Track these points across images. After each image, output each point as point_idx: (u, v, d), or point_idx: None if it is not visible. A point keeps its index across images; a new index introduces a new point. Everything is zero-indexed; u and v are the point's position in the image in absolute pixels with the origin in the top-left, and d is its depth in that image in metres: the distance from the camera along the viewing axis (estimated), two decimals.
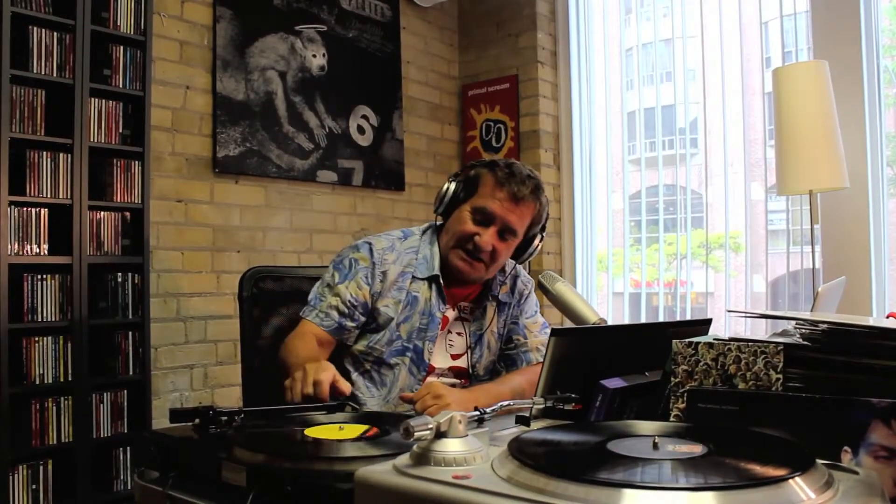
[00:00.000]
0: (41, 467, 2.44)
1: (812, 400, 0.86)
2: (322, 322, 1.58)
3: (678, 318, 3.61)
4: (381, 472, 0.69)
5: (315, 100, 3.56)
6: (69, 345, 2.51)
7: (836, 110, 2.68)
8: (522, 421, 1.06)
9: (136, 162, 2.72)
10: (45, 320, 2.48)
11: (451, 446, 0.70)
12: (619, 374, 1.08)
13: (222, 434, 0.97)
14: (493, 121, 4.12)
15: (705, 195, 3.65)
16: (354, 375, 1.64)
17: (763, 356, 0.93)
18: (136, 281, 2.70)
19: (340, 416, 1.11)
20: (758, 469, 0.63)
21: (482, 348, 1.72)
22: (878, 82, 3.01)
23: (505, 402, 1.11)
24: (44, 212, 2.50)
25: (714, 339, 0.97)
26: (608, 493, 0.59)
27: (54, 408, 2.47)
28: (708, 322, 1.34)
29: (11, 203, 2.41)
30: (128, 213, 2.72)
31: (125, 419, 2.65)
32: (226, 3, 3.23)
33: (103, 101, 2.65)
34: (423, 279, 1.65)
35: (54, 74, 2.53)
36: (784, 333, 1.11)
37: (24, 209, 2.45)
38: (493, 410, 1.06)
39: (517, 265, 1.76)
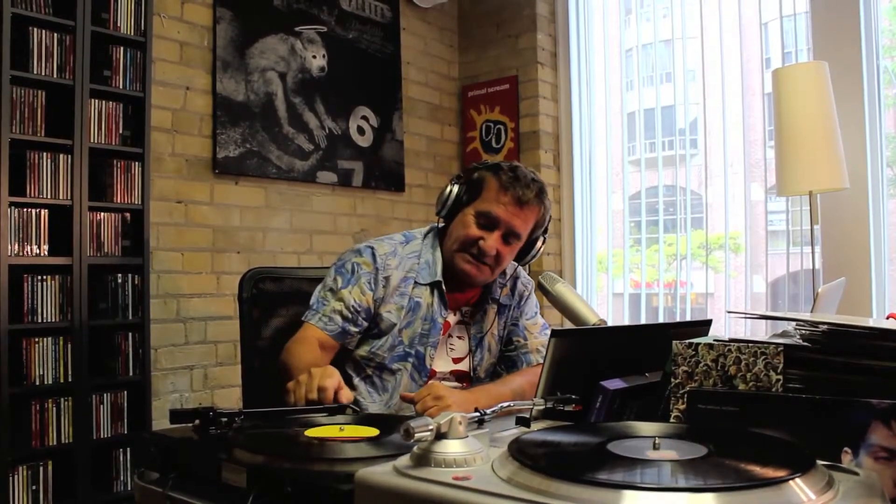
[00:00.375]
0: (41, 468, 2.44)
1: (812, 401, 0.86)
2: (326, 326, 1.57)
3: (678, 319, 3.61)
4: (382, 473, 0.69)
5: (315, 101, 3.56)
6: (69, 345, 2.51)
7: (835, 111, 2.68)
8: (523, 422, 1.06)
9: (136, 163, 2.72)
10: (45, 321, 2.48)
11: (451, 447, 0.70)
12: (619, 375, 1.08)
13: (222, 435, 0.97)
14: (493, 122, 4.12)
15: (705, 196, 3.65)
16: (356, 381, 1.64)
17: (763, 357, 0.93)
18: (136, 282, 2.70)
19: (341, 418, 1.11)
20: (758, 470, 0.64)
21: (483, 351, 1.72)
22: (877, 83, 3.01)
23: (505, 404, 1.11)
24: (44, 212, 2.50)
25: (714, 340, 0.97)
26: (608, 495, 0.59)
27: (54, 408, 2.47)
28: (708, 323, 1.34)
29: (11, 204, 2.41)
30: (128, 214, 2.72)
31: (125, 420, 2.65)
32: (226, 4, 3.23)
33: (103, 101, 2.65)
34: (425, 285, 1.64)
35: (54, 75, 2.53)
36: (784, 334, 1.11)
37: (25, 210, 2.45)
38: (493, 412, 1.06)
39: (518, 267, 1.76)
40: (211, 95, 3.18)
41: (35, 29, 2.48)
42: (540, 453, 0.70)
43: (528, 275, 1.84)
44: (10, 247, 2.40)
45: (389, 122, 3.90)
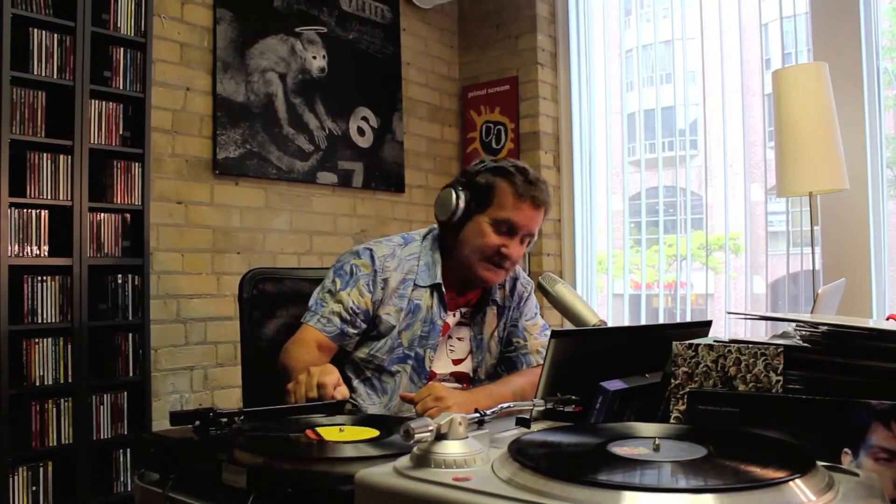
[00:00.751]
0: (41, 469, 2.44)
1: (812, 402, 0.86)
2: (324, 328, 1.58)
3: (678, 320, 3.61)
4: (382, 473, 0.69)
5: (315, 101, 3.57)
6: (69, 346, 2.51)
7: (835, 112, 2.68)
8: (523, 423, 1.05)
9: (137, 163, 2.72)
10: (45, 322, 2.48)
11: (451, 448, 0.70)
12: (619, 375, 1.08)
13: (222, 436, 0.97)
14: (493, 122, 4.12)
15: (705, 196, 3.65)
16: (355, 383, 1.64)
17: (763, 358, 0.93)
18: (136, 282, 2.70)
19: (341, 418, 1.11)
20: (758, 471, 0.64)
21: (483, 352, 1.72)
22: (877, 84, 3.01)
23: (505, 404, 1.11)
24: (44, 213, 2.50)
25: (714, 341, 0.97)
26: (609, 495, 0.59)
27: (54, 409, 2.47)
28: (708, 324, 1.34)
29: (12, 204, 2.41)
30: (128, 215, 2.72)
31: (125, 421, 2.65)
32: (226, 5, 3.23)
33: (103, 102, 2.65)
34: (424, 287, 1.64)
35: (55, 76, 2.53)
36: (784, 335, 1.11)
37: (25, 211, 2.46)
38: (493, 412, 1.05)
39: (518, 268, 1.76)
40: (211, 96, 3.18)
41: (35, 30, 2.48)
42: (540, 454, 0.70)
43: (528, 276, 1.84)
44: (10, 247, 2.40)
45: (389, 122, 3.90)
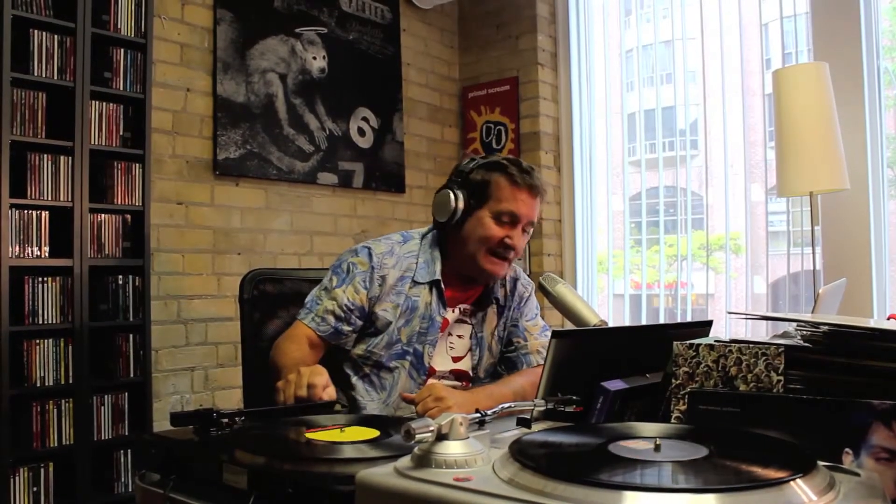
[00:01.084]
0: (42, 469, 2.44)
1: (813, 402, 0.86)
2: (318, 327, 1.59)
3: (679, 320, 3.61)
4: (382, 474, 0.69)
5: (315, 102, 3.57)
6: (70, 347, 2.51)
7: (836, 112, 2.68)
8: (524, 423, 1.06)
9: (137, 164, 2.72)
10: (45, 323, 2.48)
11: (452, 448, 0.70)
12: (619, 376, 1.08)
13: (223, 436, 0.97)
14: (494, 123, 4.12)
15: (705, 197, 3.65)
16: (354, 379, 1.64)
17: (764, 358, 0.93)
18: (137, 283, 2.70)
19: (342, 419, 1.11)
20: (759, 471, 0.64)
21: (483, 351, 1.72)
22: (878, 84, 3.01)
23: (506, 405, 1.11)
24: (44, 214, 2.50)
25: (715, 341, 0.97)
26: (609, 496, 0.59)
27: (55, 410, 2.47)
28: (709, 324, 1.34)
29: (12, 205, 2.41)
30: (128, 216, 2.72)
31: (126, 421, 2.65)
32: (226, 6, 3.23)
33: (104, 103, 2.65)
34: (423, 283, 1.65)
35: (55, 77, 2.53)
36: (785, 335, 1.11)
37: (25, 212, 2.46)
38: (494, 412, 1.05)
39: (516, 266, 1.77)
40: (211, 97, 3.18)
41: (36, 31, 2.48)
42: (541, 454, 0.70)
43: (529, 276, 1.84)
44: (10, 249, 2.40)
45: (390, 123, 3.90)
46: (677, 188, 3.72)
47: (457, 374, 1.70)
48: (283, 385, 1.29)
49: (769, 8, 3.43)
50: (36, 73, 2.48)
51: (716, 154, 3.56)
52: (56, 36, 2.53)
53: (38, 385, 2.44)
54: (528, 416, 1.06)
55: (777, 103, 2.77)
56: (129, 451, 2.65)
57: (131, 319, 2.68)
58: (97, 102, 2.63)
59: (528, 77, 3.99)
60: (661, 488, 0.59)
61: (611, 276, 3.92)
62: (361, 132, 3.76)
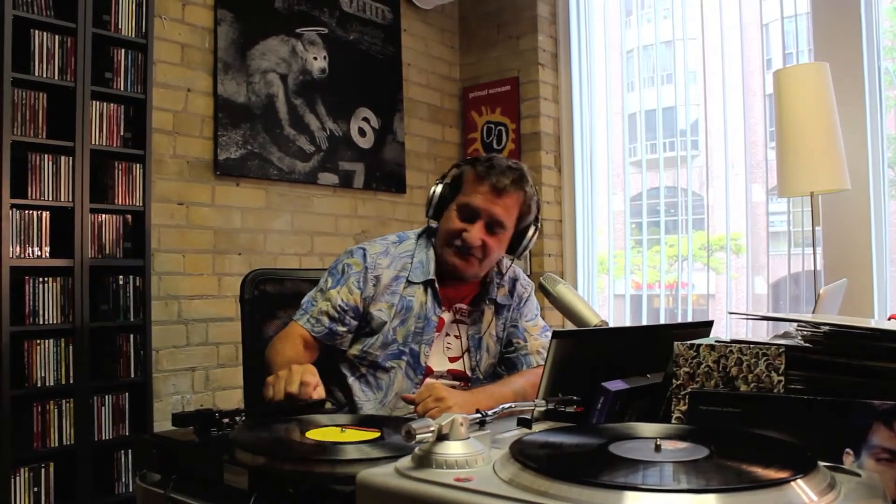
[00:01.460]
0: (42, 470, 2.44)
1: (814, 402, 0.86)
2: (313, 328, 1.60)
3: (679, 321, 3.61)
4: (383, 474, 0.69)
5: (316, 102, 3.57)
6: (70, 347, 2.51)
7: (836, 112, 2.68)
8: (524, 423, 1.06)
9: (138, 164, 2.72)
10: (46, 323, 2.48)
11: (452, 449, 0.70)
12: (620, 376, 1.08)
13: (224, 436, 0.97)
14: (494, 123, 4.12)
15: (706, 197, 3.65)
16: (350, 380, 1.65)
17: (765, 358, 0.93)
18: (138, 283, 2.70)
19: (342, 419, 1.11)
20: (759, 471, 0.64)
21: (481, 351, 1.72)
22: (878, 84, 3.01)
23: (507, 405, 1.11)
24: (45, 214, 2.51)
25: (715, 342, 0.97)
26: (610, 496, 0.59)
27: (56, 410, 2.47)
28: (709, 324, 1.34)
29: (13, 206, 2.41)
30: (129, 216, 2.72)
31: (126, 422, 2.65)
32: (227, 6, 3.23)
33: (105, 103, 2.65)
34: (418, 283, 1.65)
35: (56, 77, 2.53)
36: (786, 335, 1.11)
37: (26, 212, 2.46)
38: (494, 413, 1.05)
39: (515, 267, 1.76)
40: (212, 97, 3.18)
41: (36, 31, 2.48)
42: (542, 455, 0.70)
43: (529, 276, 1.84)
44: (11, 249, 2.40)
45: (390, 123, 3.90)
46: (678, 188, 3.72)
47: (454, 375, 1.70)
48: (272, 380, 1.28)
49: (770, 8, 3.43)
50: (37, 74, 2.48)
51: (716, 154, 3.56)
52: (57, 36, 2.53)
53: (39, 385, 2.44)
54: (529, 417, 1.06)
55: (778, 103, 2.77)
56: (130, 451, 2.65)
57: (132, 320, 2.68)
58: (98, 103, 2.63)
59: (529, 77, 3.99)
60: (662, 489, 0.59)
61: (611, 277, 3.92)
62: (362, 132, 3.77)
